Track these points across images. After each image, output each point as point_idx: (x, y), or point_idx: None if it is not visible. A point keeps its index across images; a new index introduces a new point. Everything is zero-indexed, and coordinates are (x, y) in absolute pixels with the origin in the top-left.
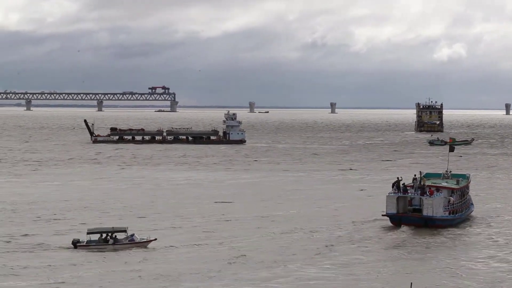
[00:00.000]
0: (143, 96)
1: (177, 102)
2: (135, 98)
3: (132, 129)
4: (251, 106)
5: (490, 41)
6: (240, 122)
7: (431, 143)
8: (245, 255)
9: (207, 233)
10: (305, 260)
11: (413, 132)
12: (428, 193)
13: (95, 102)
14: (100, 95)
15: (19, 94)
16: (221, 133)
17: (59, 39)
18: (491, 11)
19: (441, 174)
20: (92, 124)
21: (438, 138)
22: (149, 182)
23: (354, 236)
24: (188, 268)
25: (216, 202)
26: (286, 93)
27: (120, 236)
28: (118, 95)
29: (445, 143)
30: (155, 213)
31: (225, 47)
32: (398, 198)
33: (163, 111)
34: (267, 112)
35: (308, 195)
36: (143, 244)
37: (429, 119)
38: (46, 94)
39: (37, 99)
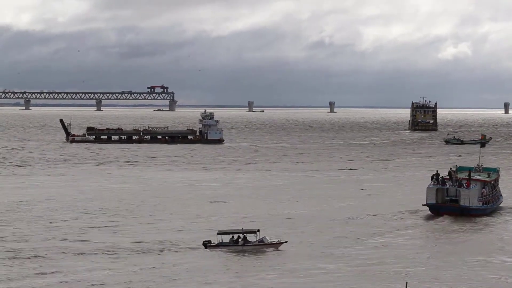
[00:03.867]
0: (142, 95)
1: (176, 102)
2: (133, 97)
3: (110, 129)
4: (250, 106)
5: (496, 41)
6: (217, 121)
7: (448, 142)
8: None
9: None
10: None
11: (408, 131)
12: (464, 185)
13: (94, 102)
14: (99, 94)
15: (18, 94)
16: (197, 133)
17: (66, 38)
18: (499, 11)
19: (472, 167)
20: (69, 123)
21: (454, 137)
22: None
23: (400, 224)
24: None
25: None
26: (289, 92)
27: (250, 237)
28: (116, 95)
29: (462, 142)
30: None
31: (232, 46)
32: (437, 190)
33: (162, 110)
34: (262, 111)
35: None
36: (274, 246)
37: (423, 118)
38: (45, 94)
39: (35, 98)
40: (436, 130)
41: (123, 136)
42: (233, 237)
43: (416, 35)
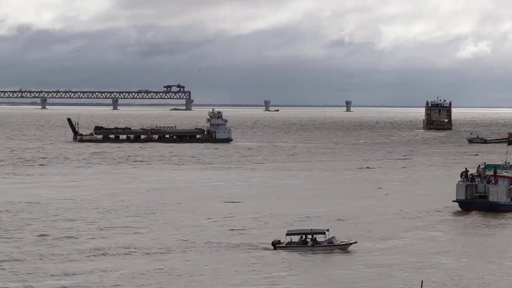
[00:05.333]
0: (158, 94)
1: (192, 101)
2: (150, 96)
3: (118, 128)
4: (266, 105)
5: None
6: (226, 121)
7: (471, 141)
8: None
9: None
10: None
11: (422, 130)
12: (493, 182)
13: (110, 101)
14: (115, 93)
15: (34, 93)
16: (205, 132)
17: (86, 37)
18: None
19: (500, 165)
20: (76, 122)
21: (477, 136)
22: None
23: (432, 218)
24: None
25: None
26: (306, 91)
27: (319, 238)
28: (133, 94)
29: (485, 141)
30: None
31: (251, 45)
32: (466, 186)
33: (178, 109)
34: (277, 110)
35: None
36: (343, 247)
37: (437, 117)
38: (61, 93)
39: (52, 97)
40: (450, 129)
41: (131, 136)
42: (302, 237)
43: (436, 34)
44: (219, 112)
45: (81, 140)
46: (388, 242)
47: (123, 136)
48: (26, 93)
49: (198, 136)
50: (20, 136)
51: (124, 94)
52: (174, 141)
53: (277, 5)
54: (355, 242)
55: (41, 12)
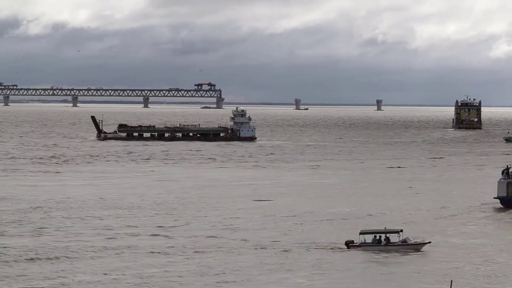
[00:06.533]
0: (189, 92)
1: (223, 99)
2: (180, 94)
3: (142, 126)
4: (297, 103)
5: None
6: (250, 119)
7: (508, 140)
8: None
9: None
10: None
11: (452, 130)
12: None
13: (141, 99)
14: (146, 91)
15: (66, 91)
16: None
17: (121, 35)
18: None
19: None
20: (100, 120)
21: None
22: None
23: (475, 214)
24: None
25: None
26: (337, 90)
27: (393, 237)
28: (164, 92)
29: None
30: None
31: (285, 44)
32: (508, 183)
33: (209, 107)
34: (307, 109)
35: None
36: (417, 246)
37: (467, 116)
38: (92, 91)
39: (83, 95)
40: (480, 128)
41: (154, 134)
42: (375, 236)
43: (470, 33)
44: (243, 111)
45: (106, 138)
46: (445, 240)
47: (147, 134)
48: (57, 91)
49: (222, 134)
50: (52, 133)
51: (155, 92)
52: (198, 139)
53: (311, 4)
54: (429, 242)
55: (76, 10)
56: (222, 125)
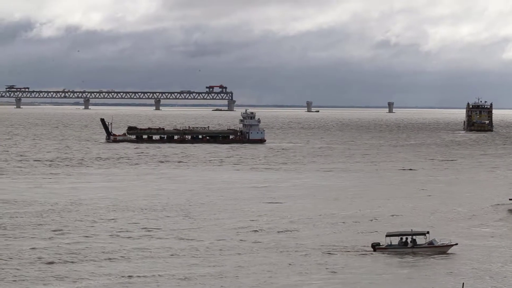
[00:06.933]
0: (200, 95)
1: (234, 101)
2: (192, 97)
3: (152, 128)
4: (308, 105)
5: None
6: (259, 121)
7: None
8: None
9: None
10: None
11: (463, 132)
12: None
13: (153, 101)
14: (157, 94)
15: (78, 93)
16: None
17: (133, 38)
18: None
19: None
20: (110, 123)
21: None
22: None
23: (491, 215)
24: None
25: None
26: (349, 92)
27: (419, 239)
28: (175, 94)
29: None
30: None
31: (297, 46)
32: None
33: (221, 110)
34: (318, 111)
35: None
36: (443, 249)
37: (478, 118)
38: (104, 93)
39: (95, 98)
40: (491, 130)
41: (164, 136)
42: (401, 239)
43: (484, 35)
44: (252, 113)
45: (115, 141)
46: (469, 242)
47: (156, 137)
48: (69, 93)
49: (231, 136)
50: (63, 136)
51: (166, 94)
52: (207, 141)
53: (324, 6)
54: (456, 244)
55: (89, 13)
56: (231, 128)
